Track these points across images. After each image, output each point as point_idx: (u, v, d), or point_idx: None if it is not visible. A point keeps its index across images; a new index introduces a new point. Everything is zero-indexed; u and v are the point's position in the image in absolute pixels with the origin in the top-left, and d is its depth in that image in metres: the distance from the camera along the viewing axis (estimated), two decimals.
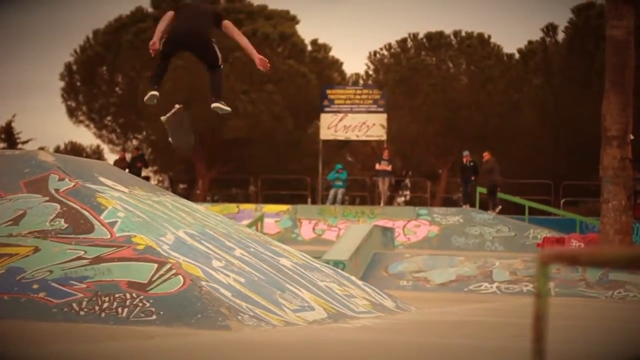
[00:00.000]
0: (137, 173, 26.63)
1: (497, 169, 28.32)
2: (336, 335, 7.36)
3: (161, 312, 7.30)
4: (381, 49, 46.21)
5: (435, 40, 45.29)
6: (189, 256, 8.17)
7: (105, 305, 7.42)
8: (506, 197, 30.28)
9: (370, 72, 46.85)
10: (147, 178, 33.84)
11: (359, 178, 43.49)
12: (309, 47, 46.21)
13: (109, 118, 45.76)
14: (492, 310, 11.60)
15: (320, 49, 46.76)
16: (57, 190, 8.69)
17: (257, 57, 10.06)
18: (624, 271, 15.37)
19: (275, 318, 7.80)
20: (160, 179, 44.62)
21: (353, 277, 11.35)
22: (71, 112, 45.62)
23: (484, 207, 28.51)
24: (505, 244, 26.02)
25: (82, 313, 7.38)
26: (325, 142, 36.77)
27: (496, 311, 11.48)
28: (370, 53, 46.56)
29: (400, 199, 49.47)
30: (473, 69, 44.39)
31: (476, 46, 44.80)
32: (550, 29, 43.38)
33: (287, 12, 46.37)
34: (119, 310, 7.37)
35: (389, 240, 21.72)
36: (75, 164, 9.53)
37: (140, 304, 7.38)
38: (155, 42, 10.10)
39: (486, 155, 28.75)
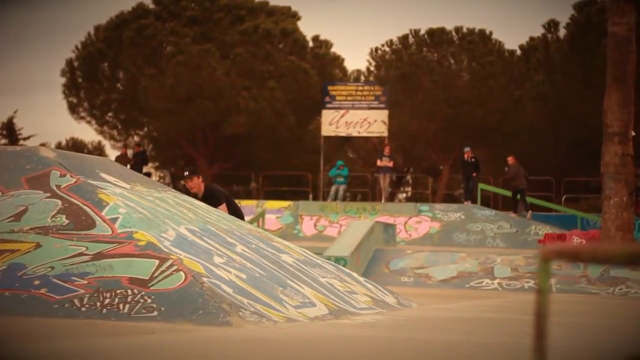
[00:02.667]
0: (137, 170, 26.60)
1: (522, 173, 27.25)
2: (337, 331, 7.35)
3: (162, 308, 7.30)
4: (382, 45, 46.15)
5: (437, 36, 45.22)
6: (191, 252, 8.16)
7: (107, 301, 7.42)
8: (506, 194, 30.24)
9: (372, 69, 46.78)
10: (148, 174, 33.85)
11: (360, 174, 43.50)
12: (311, 44, 46.17)
13: (110, 114, 45.70)
14: (494, 307, 11.59)
15: (322, 45, 46.72)
16: (58, 187, 8.69)
17: None
18: (625, 268, 15.35)
19: (277, 314, 7.79)
20: (162, 175, 44.56)
21: (354, 274, 11.34)
22: (72, 108, 45.58)
23: (485, 203, 28.42)
24: (506, 240, 26.00)
25: (83, 309, 7.39)
26: (327, 138, 36.77)
27: (498, 307, 11.48)
28: (371, 49, 46.51)
29: (402, 196, 49.44)
30: (474, 66, 44.33)
31: (478, 42, 44.74)
32: (552, 25, 43.32)
33: (289, 8, 46.31)
34: (120, 306, 7.37)
35: (390, 236, 21.72)
36: (76, 160, 9.52)
37: (142, 300, 7.38)
38: None
39: (510, 160, 27.47)
